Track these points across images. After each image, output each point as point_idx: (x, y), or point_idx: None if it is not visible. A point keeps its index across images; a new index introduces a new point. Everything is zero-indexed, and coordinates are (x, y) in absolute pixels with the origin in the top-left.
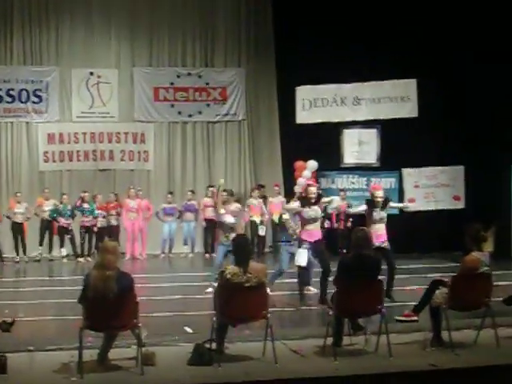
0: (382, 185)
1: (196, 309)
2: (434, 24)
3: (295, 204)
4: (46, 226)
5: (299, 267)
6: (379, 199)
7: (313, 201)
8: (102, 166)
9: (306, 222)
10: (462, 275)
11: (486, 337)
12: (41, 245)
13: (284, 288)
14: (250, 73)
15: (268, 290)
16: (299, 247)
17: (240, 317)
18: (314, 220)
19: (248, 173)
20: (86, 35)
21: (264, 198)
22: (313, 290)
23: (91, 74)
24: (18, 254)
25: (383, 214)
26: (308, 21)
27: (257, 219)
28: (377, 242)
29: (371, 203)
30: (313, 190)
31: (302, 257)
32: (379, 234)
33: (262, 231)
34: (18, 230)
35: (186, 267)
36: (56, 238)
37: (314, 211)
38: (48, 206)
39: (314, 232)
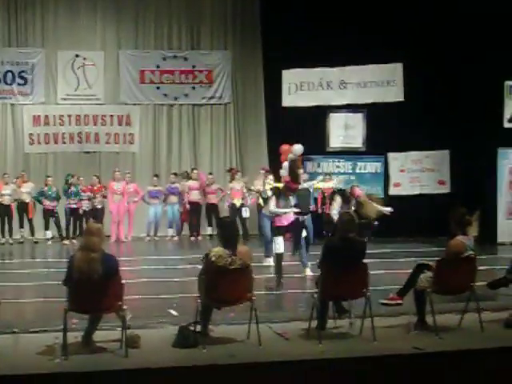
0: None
1: (181, 291)
2: (419, 7)
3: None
4: (5, 211)
5: (277, 254)
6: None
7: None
8: (87, 149)
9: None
10: (446, 259)
11: (470, 321)
12: (21, 227)
13: (270, 271)
14: (236, 56)
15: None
16: (275, 235)
17: (225, 299)
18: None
19: (234, 156)
20: (71, 17)
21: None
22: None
23: (77, 56)
24: (3, 236)
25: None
26: (295, 4)
27: (237, 202)
28: None
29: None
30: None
31: (279, 244)
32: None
33: (245, 213)
34: (4, 212)
35: (171, 250)
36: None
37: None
38: (6, 190)
39: (287, 216)
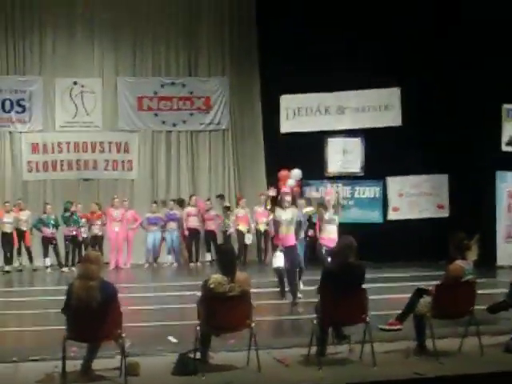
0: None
1: (180, 318)
2: (417, 32)
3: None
4: (7, 240)
5: (276, 269)
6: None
7: (286, 205)
8: (85, 176)
9: (279, 225)
10: (445, 284)
11: (470, 345)
12: (19, 254)
13: (269, 297)
14: (233, 82)
15: None
16: (274, 250)
17: (224, 326)
18: (288, 223)
19: (232, 182)
20: (69, 44)
21: (227, 208)
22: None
23: (75, 83)
24: (9, 263)
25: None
26: (292, 30)
27: (243, 228)
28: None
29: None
30: (287, 198)
31: (278, 259)
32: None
33: (248, 240)
34: (7, 240)
35: (169, 277)
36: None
37: (287, 215)
38: (8, 218)
39: (287, 237)
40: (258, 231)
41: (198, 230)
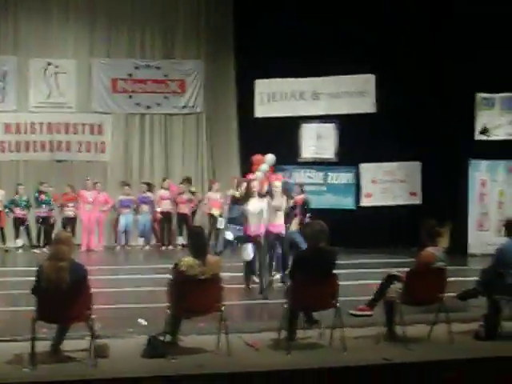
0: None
1: (150, 301)
2: (393, 20)
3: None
4: None
5: (245, 261)
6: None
7: (255, 195)
8: (58, 157)
9: (247, 216)
10: (416, 270)
11: (440, 332)
12: None
13: (240, 281)
14: (209, 65)
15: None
16: (244, 242)
17: (194, 309)
18: (258, 214)
19: (205, 166)
20: (44, 25)
21: (192, 193)
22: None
23: (49, 64)
24: None
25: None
26: (268, 15)
27: (216, 212)
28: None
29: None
30: (255, 184)
31: (247, 251)
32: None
33: (220, 224)
34: None
35: (141, 259)
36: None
37: (255, 206)
38: None
39: (257, 226)
40: (210, 216)
41: (171, 213)
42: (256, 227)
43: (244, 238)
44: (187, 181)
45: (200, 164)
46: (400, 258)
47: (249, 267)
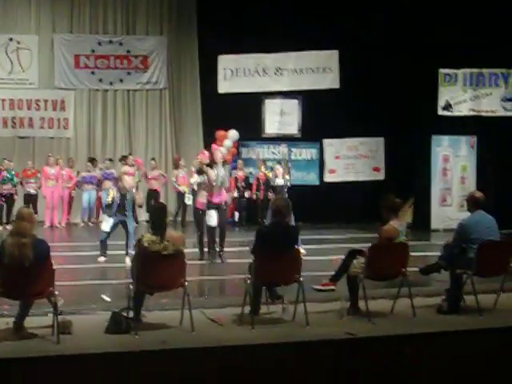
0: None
1: (114, 277)
2: None
3: (195, 177)
4: None
5: (209, 227)
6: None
7: (219, 163)
8: (21, 134)
9: (211, 185)
10: (379, 245)
11: (403, 306)
12: None
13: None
14: (171, 41)
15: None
16: (208, 209)
17: (157, 285)
18: (221, 183)
19: (169, 142)
20: (5, 0)
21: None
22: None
23: (10, 39)
24: None
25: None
26: None
27: (185, 188)
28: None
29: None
30: (218, 153)
31: (212, 217)
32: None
33: (188, 200)
34: None
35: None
36: None
37: (220, 175)
38: None
39: (221, 194)
40: (179, 192)
41: (158, 190)
42: (219, 195)
43: (208, 205)
44: (124, 159)
45: (163, 140)
46: (363, 233)
47: (214, 233)
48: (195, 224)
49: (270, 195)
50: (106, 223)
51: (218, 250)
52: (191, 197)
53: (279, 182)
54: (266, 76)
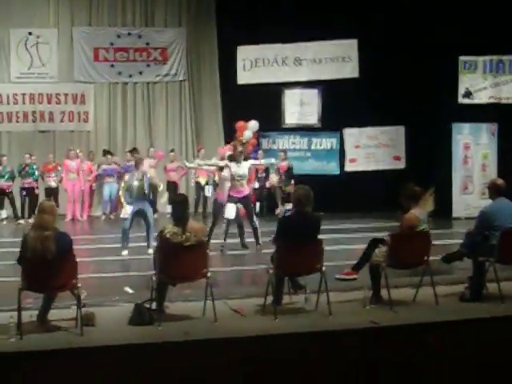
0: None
1: (136, 269)
2: None
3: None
4: None
5: (228, 220)
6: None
7: (240, 159)
8: (41, 128)
9: (232, 178)
10: (400, 233)
11: (425, 294)
12: None
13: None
14: (190, 32)
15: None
16: (228, 201)
17: (180, 276)
18: (241, 177)
19: (189, 133)
20: None
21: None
22: None
23: (30, 34)
24: None
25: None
26: None
27: (202, 180)
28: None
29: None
30: (239, 148)
31: (230, 210)
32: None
33: (208, 192)
34: None
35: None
36: None
37: (241, 168)
38: None
39: (241, 188)
40: (197, 184)
41: (176, 182)
42: (240, 188)
43: (228, 199)
44: (133, 151)
45: (184, 132)
46: (385, 222)
47: (228, 225)
48: (212, 214)
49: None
50: (126, 211)
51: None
52: (211, 188)
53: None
54: (286, 66)
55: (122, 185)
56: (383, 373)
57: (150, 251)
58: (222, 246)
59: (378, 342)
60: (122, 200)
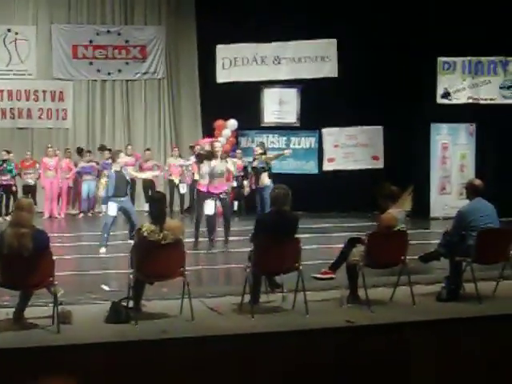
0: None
1: (113, 267)
2: None
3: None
4: None
5: (207, 216)
6: (218, 149)
7: (218, 155)
8: (19, 125)
9: (211, 176)
10: (378, 233)
11: (402, 294)
12: None
13: (202, 246)
14: (170, 31)
15: None
16: (206, 198)
17: (157, 274)
18: (220, 174)
19: (168, 132)
20: None
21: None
22: None
23: (8, 30)
24: None
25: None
26: None
27: (175, 178)
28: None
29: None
30: (217, 145)
31: (210, 206)
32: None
33: (182, 189)
34: None
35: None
36: None
37: (220, 166)
38: None
39: (219, 185)
40: (171, 182)
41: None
42: (219, 185)
43: (208, 195)
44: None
45: (162, 130)
46: (362, 221)
47: (211, 221)
48: (195, 208)
49: (245, 182)
50: (112, 208)
51: (211, 238)
52: (185, 185)
53: (255, 163)
54: (265, 65)
55: (102, 179)
56: (359, 372)
57: (131, 241)
58: (212, 241)
59: (355, 341)
60: (100, 193)
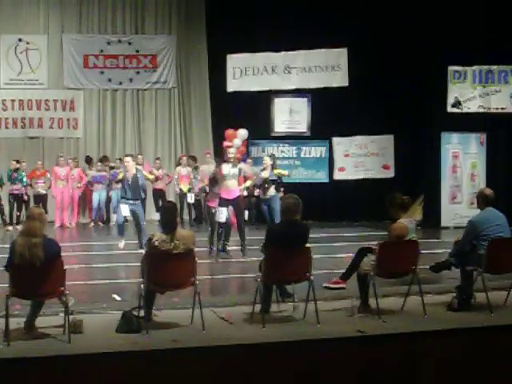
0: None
1: (124, 277)
2: None
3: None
4: None
5: (219, 223)
6: (231, 155)
7: (231, 161)
8: (30, 134)
9: (223, 180)
10: (388, 242)
11: (413, 304)
12: None
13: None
14: (180, 40)
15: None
16: (219, 206)
17: (168, 284)
18: (232, 176)
19: (178, 141)
20: (14, 1)
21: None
22: None
23: (20, 40)
24: None
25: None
26: None
27: (184, 187)
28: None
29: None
30: (231, 150)
31: (222, 214)
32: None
33: (190, 199)
34: None
35: (115, 235)
36: None
37: (232, 170)
38: None
39: (232, 190)
40: (181, 191)
41: (163, 190)
42: (232, 191)
43: (220, 202)
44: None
45: (172, 139)
46: (373, 231)
47: (224, 229)
48: (208, 222)
49: (257, 191)
50: (124, 208)
51: (223, 244)
52: (192, 195)
53: (264, 174)
54: (275, 74)
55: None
56: (371, 382)
57: (142, 251)
58: (226, 247)
59: (366, 351)
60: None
